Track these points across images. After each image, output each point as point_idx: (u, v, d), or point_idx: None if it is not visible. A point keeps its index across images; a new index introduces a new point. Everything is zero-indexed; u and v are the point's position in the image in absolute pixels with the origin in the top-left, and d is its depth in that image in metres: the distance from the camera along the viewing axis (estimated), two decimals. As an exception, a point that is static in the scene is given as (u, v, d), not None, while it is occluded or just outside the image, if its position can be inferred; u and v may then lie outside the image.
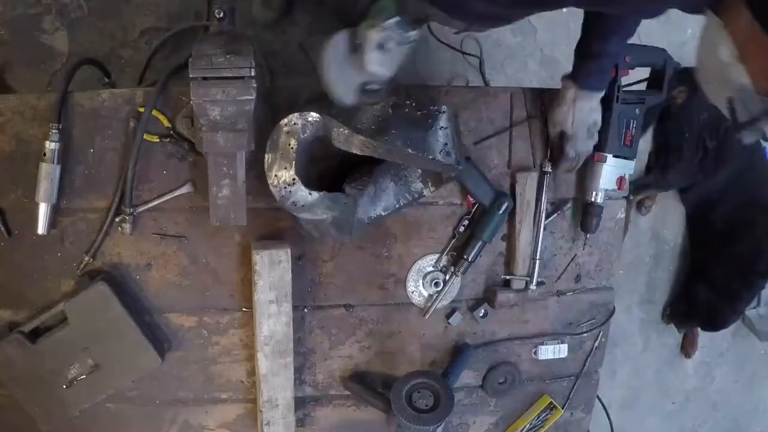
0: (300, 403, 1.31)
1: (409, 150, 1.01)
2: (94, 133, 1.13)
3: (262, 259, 1.14)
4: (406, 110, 1.03)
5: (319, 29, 1.86)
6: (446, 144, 1.05)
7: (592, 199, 1.27)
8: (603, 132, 1.23)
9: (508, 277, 1.31)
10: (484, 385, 1.38)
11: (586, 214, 1.29)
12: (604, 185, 1.26)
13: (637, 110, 1.24)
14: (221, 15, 1.00)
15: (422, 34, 1.04)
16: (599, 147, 1.24)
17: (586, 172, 1.28)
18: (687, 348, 2.69)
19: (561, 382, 1.42)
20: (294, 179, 1.02)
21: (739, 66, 0.65)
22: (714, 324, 2.50)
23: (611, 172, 1.26)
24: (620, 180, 1.27)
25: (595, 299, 1.39)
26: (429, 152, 1.03)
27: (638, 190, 2.41)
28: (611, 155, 1.24)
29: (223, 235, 1.21)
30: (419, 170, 1.20)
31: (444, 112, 1.05)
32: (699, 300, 2.46)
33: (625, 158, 1.26)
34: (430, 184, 1.21)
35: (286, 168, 1.02)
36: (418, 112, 1.03)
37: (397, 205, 1.20)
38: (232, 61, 0.97)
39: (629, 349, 2.63)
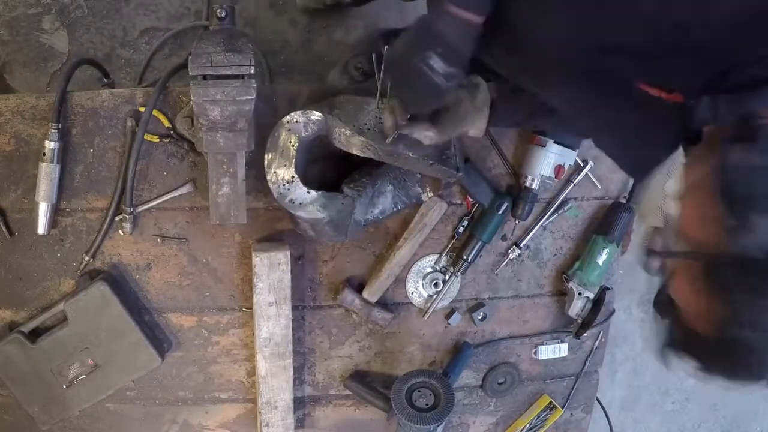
0: (300, 403, 1.31)
1: (410, 154, 1.01)
2: (94, 133, 1.13)
3: (261, 261, 1.14)
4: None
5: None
6: (447, 150, 1.05)
7: (527, 185, 1.21)
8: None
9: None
10: (484, 385, 1.38)
11: (518, 200, 1.23)
12: (541, 171, 1.19)
13: None
14: (223, 15, 1.00)
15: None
16: (540, 131, 1.18)
17: (524, 155, 1.23)
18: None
19: (561, 382, 1.42)
20: (293, 177, 1.02)
21: (676, 203, 0.64)
22: None
23: (550, 158, 1.18)
24: (558, 168, 1.19)
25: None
26: (429, 157, 1.03)
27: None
28: (552, 141, 1.17)
29: (223, 235, 1.21)
30: (418, 175, 1.20)
31: None
32: None
33: (567, 147, 1.18)
34: (428, 189, 1.21)
35: (285, 166, 1.02)
36: None
37: (395, 209, 1.20)
38: (231, 59, 0.96)
39: (629, 349, 2.63)
